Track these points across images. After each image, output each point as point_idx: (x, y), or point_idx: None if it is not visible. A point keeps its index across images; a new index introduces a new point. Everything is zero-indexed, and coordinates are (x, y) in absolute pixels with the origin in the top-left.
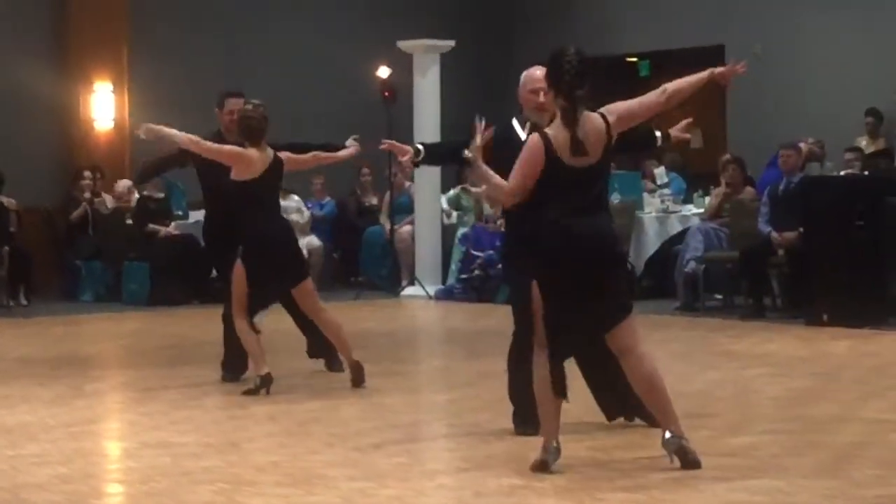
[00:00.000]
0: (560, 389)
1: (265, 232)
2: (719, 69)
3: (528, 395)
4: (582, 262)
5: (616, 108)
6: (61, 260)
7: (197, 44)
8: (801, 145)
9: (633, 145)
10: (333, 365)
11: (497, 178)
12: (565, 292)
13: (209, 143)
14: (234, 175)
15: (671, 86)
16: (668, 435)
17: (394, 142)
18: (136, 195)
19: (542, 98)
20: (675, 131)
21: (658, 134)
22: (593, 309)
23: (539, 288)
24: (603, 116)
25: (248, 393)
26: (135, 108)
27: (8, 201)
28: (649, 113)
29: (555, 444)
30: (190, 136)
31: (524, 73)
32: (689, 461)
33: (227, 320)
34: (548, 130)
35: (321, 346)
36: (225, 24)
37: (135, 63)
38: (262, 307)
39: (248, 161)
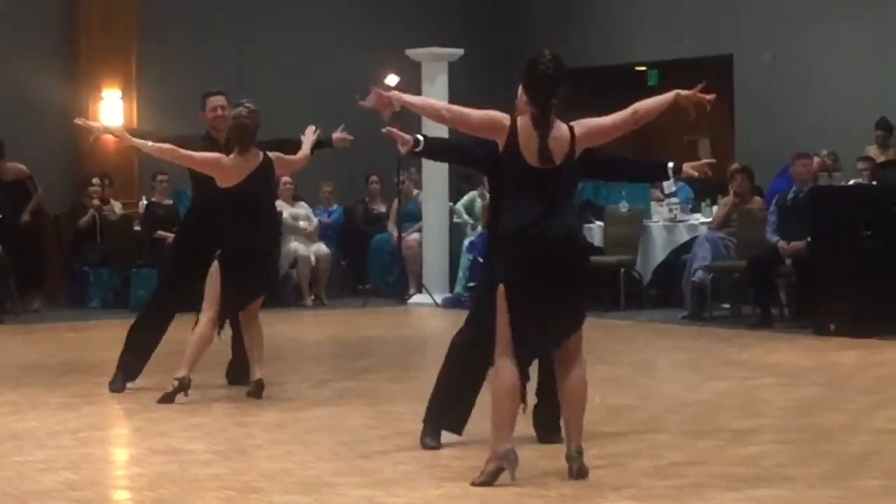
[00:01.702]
0: (522, 396)
1: (244, 242)
2: (685, 92)
3: (455, 399)
4: (541, 268)
5: (587, 123)
6: (69, 266)
7: (205, 51)
8: (815, 158)
9: (644, 177)
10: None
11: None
12: (526, 298)
13: (183, 151)
14: (218, 182)
15: (641, 107)
16: (574, 449)
17: (394, 129)
18: (144, 201)
19: None
20: (688, 167)
21: (670, 165)
22: (551, 318)
23: (504, 293)
24: (571, 128)
25: (164, 399)
26: (143, 115)
27: (15, 167)
28: (618, 133)
29: (513, 451)
30: (161, 145)
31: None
32: (583, 475)
33: (235, 325)
34: (519, 120)
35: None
36: (234, 31)
37: (143, 70)
38: (229, 313)
39: (225, 169)
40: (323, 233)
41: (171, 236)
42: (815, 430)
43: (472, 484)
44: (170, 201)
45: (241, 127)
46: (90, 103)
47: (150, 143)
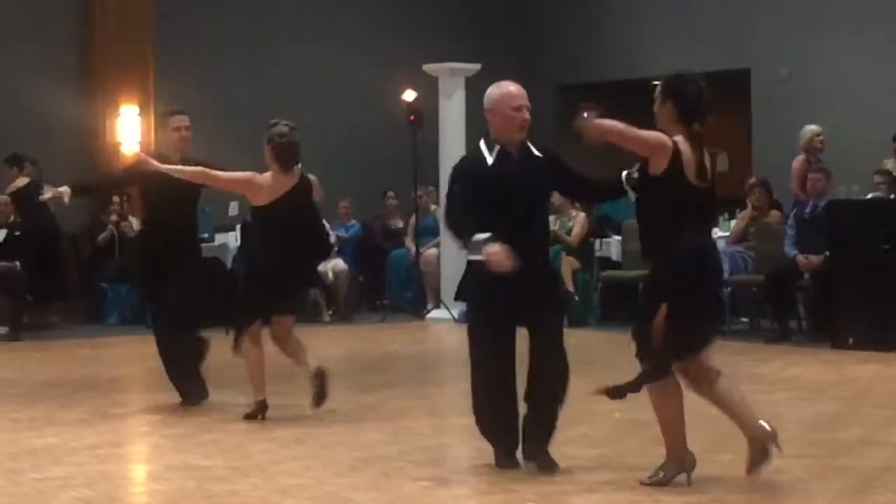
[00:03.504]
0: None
1: (275, 260)
2: None
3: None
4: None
5: None
6: (87, 283)
7: (223, 67)
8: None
9: (602, 197)
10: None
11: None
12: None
13: (219, 174)
14: (250, 200)
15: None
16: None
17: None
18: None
19: (527, 115)
20: None
21: (625, 174)
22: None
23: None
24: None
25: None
26: (160, 131)
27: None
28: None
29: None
30: (192, 169)
31: (498, 91)
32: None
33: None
34: (676, 139)
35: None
36: (251, 48)
37: (161, 86)
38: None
39: (259, 187)
40: (341, 248)
41: None
42: (833, 445)
43: (642, 483)
44: None
45: (290, 144)
46: (107, 119)
47: (178, 167)
